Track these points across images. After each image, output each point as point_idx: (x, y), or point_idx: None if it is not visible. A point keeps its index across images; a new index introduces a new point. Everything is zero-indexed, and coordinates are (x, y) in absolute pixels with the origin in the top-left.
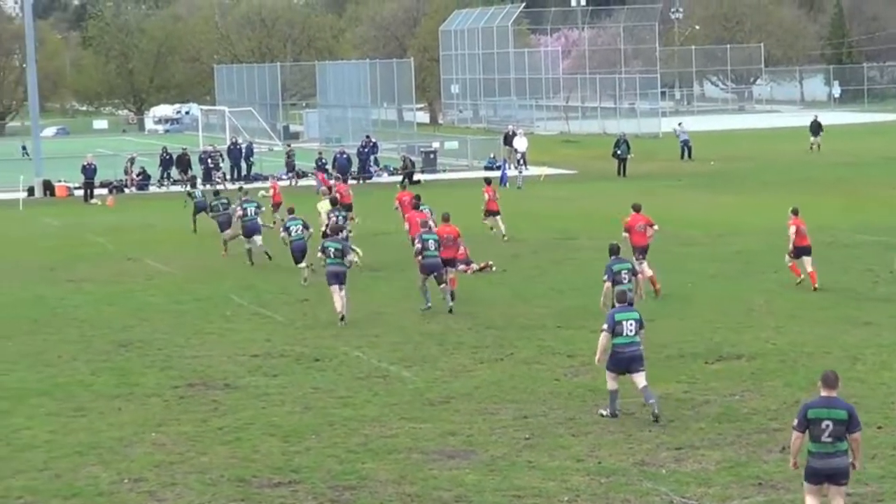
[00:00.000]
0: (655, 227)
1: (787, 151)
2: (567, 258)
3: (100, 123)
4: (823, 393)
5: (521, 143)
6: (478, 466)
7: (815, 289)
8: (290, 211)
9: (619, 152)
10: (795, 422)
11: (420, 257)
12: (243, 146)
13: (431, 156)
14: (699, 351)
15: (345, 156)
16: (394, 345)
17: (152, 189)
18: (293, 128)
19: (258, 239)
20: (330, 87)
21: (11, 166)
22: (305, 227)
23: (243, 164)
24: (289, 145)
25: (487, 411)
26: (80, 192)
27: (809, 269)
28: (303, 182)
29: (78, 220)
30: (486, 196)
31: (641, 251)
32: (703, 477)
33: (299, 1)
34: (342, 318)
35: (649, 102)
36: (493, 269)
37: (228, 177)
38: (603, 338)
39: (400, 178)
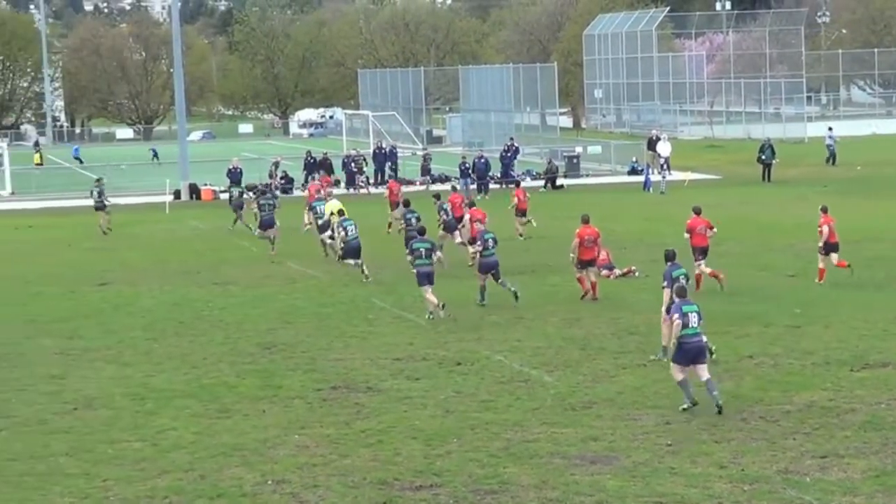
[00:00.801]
0: (714, 229)
1: None
2: (710, 264)
3: (245, 127)
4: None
5: (664, 148)
6: (619, 472)
7: (849, 266)
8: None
9: (763, 157)
10: None
11: (479, 256)
12: (387, 150)
13: (574, 160)
14: (844, 358)
15: (483, 160)
16: (536, 349)
17: (296, 193)
18: (436, 132)
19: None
20: (473, 92)
21: (160, 170)
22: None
23: (387, 168)
24: (425, 149)
25: (629, 417)
26: (226, 196)
27: (836, 262)
28: (437, 187)
29: (223, 223)
30: (517, 198)
31: (701, 252)
32: (848, 486)
33: (443, 5)
34: (443, 306)
35: (794, 107)
36: (637, 274)
37: (372, 181)
38: (676, 327)
39: (542, 182)
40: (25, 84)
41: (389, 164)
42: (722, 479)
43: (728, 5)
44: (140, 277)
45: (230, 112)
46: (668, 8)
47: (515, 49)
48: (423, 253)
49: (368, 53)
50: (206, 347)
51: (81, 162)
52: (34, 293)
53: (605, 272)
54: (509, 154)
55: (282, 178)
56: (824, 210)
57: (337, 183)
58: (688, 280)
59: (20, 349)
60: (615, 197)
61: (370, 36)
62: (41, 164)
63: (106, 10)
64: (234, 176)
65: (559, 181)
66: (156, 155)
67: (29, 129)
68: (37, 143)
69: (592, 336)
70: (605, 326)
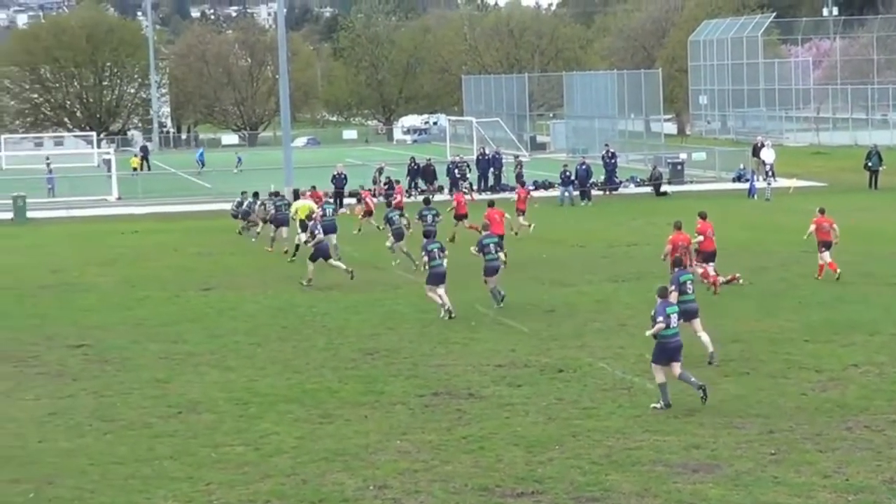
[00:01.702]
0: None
1: None
2: (815, 272)
3: (349, 133)
4: None
5: (768, 155)
6: (722, 481)
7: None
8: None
9: (870, 164)
10: None
11: (483, 260)
12: (490, 156)
13: (679, 167)
14: None
15: (584, 166)
16: (638, 356)
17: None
18: (540, 138)
19: (284, 230)
20: (577, 98)
21: (265, 176)
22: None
23: (490, 175)
24: (516, 157)
25: (733, 425)
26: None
27: (829, 260)
28: (539, 194)
29: None
30: (518, 196)
31: (711, 256)
32: None
33: (548, 11)
34: (448, 310)
35: None
36: (741, 281)
37: (476, 187)
38: (658, 327)
39: (644, 189)
40: (132, 90)
41: (493, 170)
42: (826, 489)
43: (835, 11)
44: (244, 282)
45: (334, 118)
46: (774, 14)
47: (620, 55)
48: (436, 254)
49: (473, 59)
50: (309, 352)
51: (203, 165)
52: (140, 297)
53: (706, 279)
54: (612, 160)
55: (385, 184)
56: (821, 211)
57: (440, 189)
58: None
59: (126, 353)
60: (720, 204)
61: (474, 42)
62: (137, 170)
63: (212, 17)
64: (339, 182)
65: (663, 188)
66: (239, 161)
67: (135, 134)
68: (144, 148)
69: (695, 344)
70: (707, 334)
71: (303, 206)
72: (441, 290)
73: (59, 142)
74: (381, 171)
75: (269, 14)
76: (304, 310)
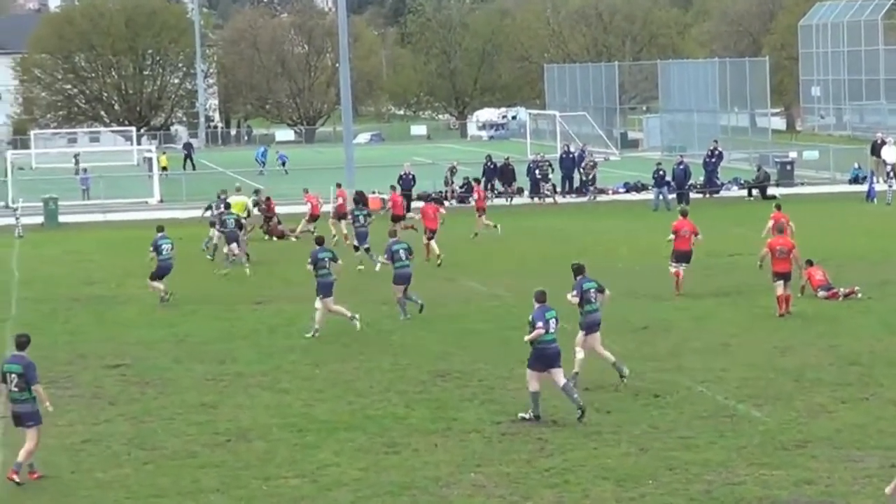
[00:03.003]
0: (700, 236)
1: None
2: None
3: (417, 129)
4: None
5: (890, 154)
6: None
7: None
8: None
9: None
10: None
11: (392, 267)
12: (575, 154)
13: (788, 167)
14: None
15: (682, 166)
16: (743, 380)
17: (471, 202)
18: (631, 134)
19: (234, 246)
20: (674, 90)
21: (321, 176)
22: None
23: (576, 175)
24: (591, 154)
25: (849, 458)
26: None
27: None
28: (631, 197)
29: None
30: (476, 195)
31: (684, 256)
32: None
33: None
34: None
35: None
36: (859, 295)
37: (559, 189)
38: (537, 333)
39: (746, 191)
40: (176, 80)
41: (579, 169)
42: None
43: None
44: (300, 295)
45: (401, 112)
46: None
47: (722, 42)
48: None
49: (556, 47)
50: (373, 374)
51: (265, 165)
52: (184, 312)
53: (822, 293)
54: (713, 160)
55: (461, 186)
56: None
57: (520, 191)
58: (602, 291)
59: (168, 374)
60: (834, 208)
61: (558, 27)
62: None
63: None
64: (406, 183)
65: (770, 190)
66: (283, 163)
67: (180, 129)
68: (188, 146)
69: (807, 366)
70: (821, 355)
71: (238, 202)
72: (326, 304)
73: (95, 138)
74: (453, 170)
75: None
76: (367, 326)
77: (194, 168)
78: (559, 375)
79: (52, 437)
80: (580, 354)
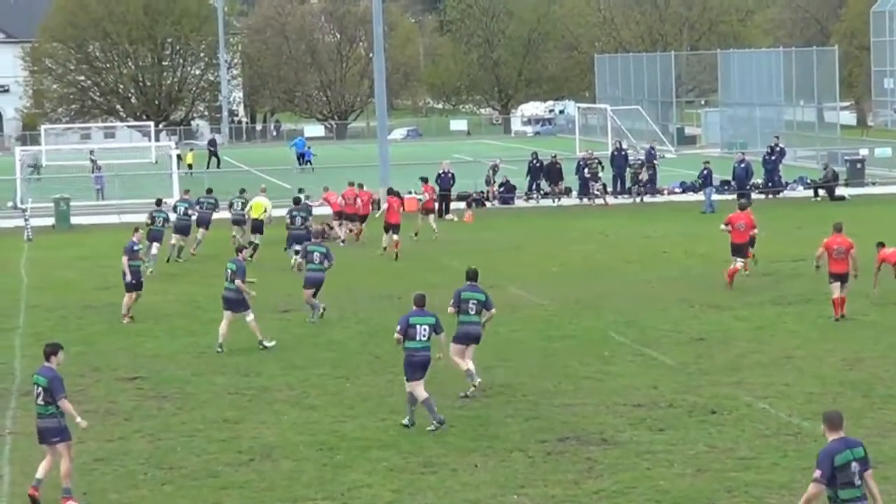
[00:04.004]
0: (756, 230)
1: None
2: None
3: (458, 124)
4: (834, 436)
5: None
6: None
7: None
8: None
9: None
10: (818, 473)
11: (305, 269)
12: (627, 152)
13: (858, 165)
14: None
15: (743, 164)
16: (808, 396)
17: (518, 203)
18: (689, 130)
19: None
20: (734, 81)
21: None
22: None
23: (628, 174)
24: (631, 149)
25: None
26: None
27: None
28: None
29: (430, 238)
30: (426, 195)
31: (738, 249)
32: None
33: None
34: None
35: None
36: None
37: (610, 189)
38: (397, 339)
39: (812, 192)
40: (198, 72)
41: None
42: None
43: None
44: (329, 302)
45: (440, 105)
46: None
47: (787, 29)
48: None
49: (607, 35)
50: None
51: (300, 162)
52: (205, 321)
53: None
54: (773, 157)
55: (502, 186)
56: (741, 207)
57: (568, 191)
58: (486, 307)
59: (188, 388)
60: None
61: (609, 14)
62: (192, 167)
63: None
64: (445, 182)
65: (839, 191)
66: (302, 160)
67: (202, 125)
68: (212, 142)
69: (878, 380)
70: (893, 369)
71: (258, 203)
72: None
73: (111, 133)
74: (495, 168)
75: None
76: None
77: (219, 166)
78: (418, 388)
79: None
80: (463, 366)
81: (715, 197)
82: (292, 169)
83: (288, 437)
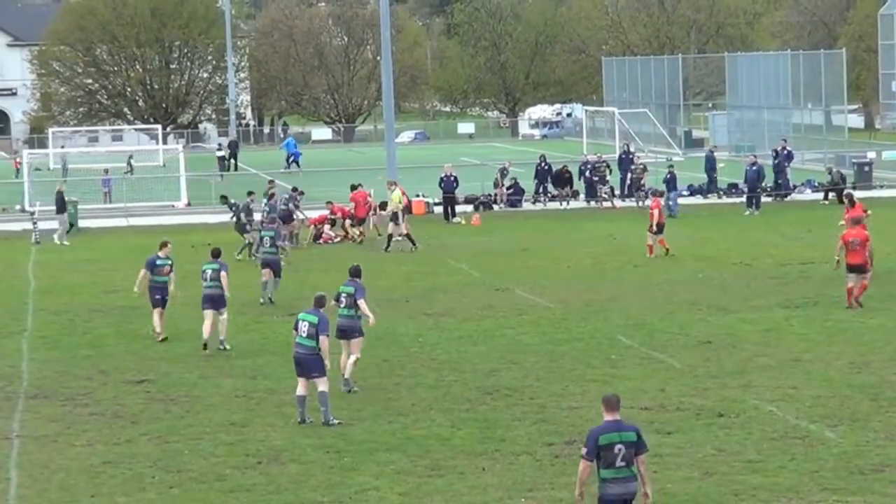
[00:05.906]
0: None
1: None
2: None
3: (465, 127)
4: (608, 417)
5: None
6: None
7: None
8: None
9: None
10: (585, 450)
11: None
12: (635, 154)
13: (866, 168)
14: None
15: (755, 167)
16: (816, 399)
17: (526, 206)
18: (696, 133)
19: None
20: (742, 84)
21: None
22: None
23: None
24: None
25: None
26: (440, 209)
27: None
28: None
29: (437, 241)
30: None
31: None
32: None
33: None
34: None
35: None
36: None
37: (618, 192)
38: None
39: (822, 194)
40: (205, 75)
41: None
42: None
43: None
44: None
45: (447, 108)
46: None
47: (795, 32)
48: (208, 276)
49: (615, 38)
50: (415, 391)
51: (288, 163)
52: None
53: None
54: (776, 160)
55: (510, 189)
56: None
57: (575, 194)
58: (356, 301)
59: (195, 391)
60: None
61: (617, 17)
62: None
63: None
64: (448, 185)
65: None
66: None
67: (209, 128)
68: (233, 144)
69: (886, 383)
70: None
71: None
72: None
73: (118, 136)
74: (504, 171)
75: None
76: (409, 339)
77: (236, 168)
78: (301, 386)
79: (69, 458)
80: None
81: (682, 201)
82: (297, 172)
83: (295, 440)
